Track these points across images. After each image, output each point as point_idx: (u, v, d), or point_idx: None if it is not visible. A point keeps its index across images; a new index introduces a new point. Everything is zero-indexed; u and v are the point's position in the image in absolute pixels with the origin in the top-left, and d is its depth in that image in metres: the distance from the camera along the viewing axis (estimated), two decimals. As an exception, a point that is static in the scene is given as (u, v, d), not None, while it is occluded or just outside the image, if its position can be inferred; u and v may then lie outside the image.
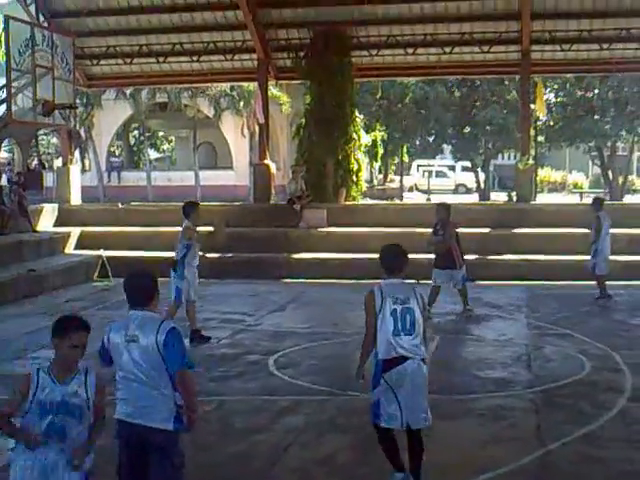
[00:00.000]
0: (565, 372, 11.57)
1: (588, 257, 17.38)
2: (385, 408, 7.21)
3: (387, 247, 7.79)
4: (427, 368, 7.39)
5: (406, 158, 56.47)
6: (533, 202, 25.18)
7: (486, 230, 22.42)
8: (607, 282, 17.30)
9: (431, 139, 51.77)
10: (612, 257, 17.60)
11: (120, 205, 26.93)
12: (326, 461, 8.30)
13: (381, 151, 40.51)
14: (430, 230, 16.38)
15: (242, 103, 44.70)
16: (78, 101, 30.93)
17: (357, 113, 27.48)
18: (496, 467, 7.92)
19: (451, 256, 15.72)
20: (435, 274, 15.95)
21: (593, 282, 17.36)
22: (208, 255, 20.05)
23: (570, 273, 19.24)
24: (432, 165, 62.69)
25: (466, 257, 16.34)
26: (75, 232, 23.74)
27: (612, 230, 17.53)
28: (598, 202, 17.84)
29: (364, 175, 29.00)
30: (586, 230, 17.85)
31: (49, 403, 5.46)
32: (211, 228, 15.09)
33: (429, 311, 15.45)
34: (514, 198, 27.96)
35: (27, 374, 5.63)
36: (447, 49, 25.25)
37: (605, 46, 24.52)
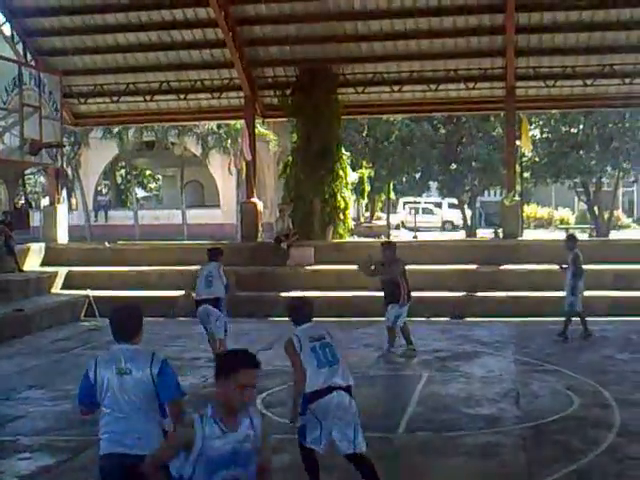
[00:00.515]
0: (554, 408, 11.54)
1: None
2: (309, 432, 7.83)
3: (292, 302, 8.55)
4: (352, 399, 7.98)
5: (393, 195, 56.55)
6: (520, 238, 25.18)
7: (473, 267, 22.45)
8: (591, 318, 17.32)
9: (417, 176, 51.85)
10: (598, 293, 17.64)
11: (107, 244, 26.88)
12: (315, 501, 8.23)
13: (368, 188, 40.71)
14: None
15: (229, 141, 44.77)
16: (65, 140, 30.95)
17: (344, 150, 27.58)
18: (486, 505, 7.88)
19: (398, 291, 15.38)
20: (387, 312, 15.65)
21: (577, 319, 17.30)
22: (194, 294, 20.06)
23: (557, 309, 19.22)
24: (419, 202, 62.77)
25: (451, 294, 16.34)
26: (62, 272, 23.67)
27: (598, 266, 17.57)
28: (574, 239, 17.76)
29: (351, 212, 29.05)
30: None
31: (220, 455, 4.95)
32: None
33: (412, 349, 15.44)
34: (501, 235, 28.01)
35: (189, 422, 5.05)
36: (433, 86, 25.45)
37: (589, 82, 24.74)
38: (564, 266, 16.91)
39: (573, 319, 17.03)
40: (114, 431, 6.00)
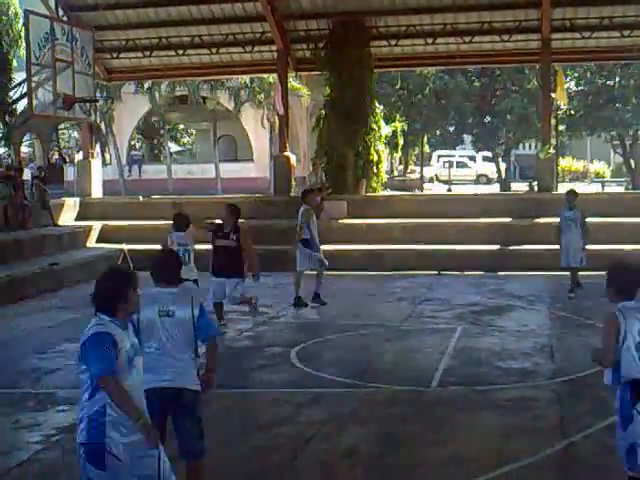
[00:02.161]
0: (588, 363, 11.42)
1: (608, 246, 17.30)
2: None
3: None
4: None
5: (426, 149, 56.28)
6: (554, 192, 24.97)
7: (507, 220, 22.35)
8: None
9: (451, 129, 51.57)
10: (637, 247, 17.57)
11: (141, 198, 26.98)
12: (348, 453, 8.27)
13: (401, 142, 40.37)
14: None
15: (262, 95, 44.60)
16: (98, 95, 30.97)
17: (377, 104, 27.39)
18: (518, 459, 7.87)
19: (240, 263, 13.85)
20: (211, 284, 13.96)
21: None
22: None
23: (593, 262, 19.11)
24: (453, 155, 62.41)
25: (485, 248, 16.18)
26: (97, 226, 23.83)
27: (636, 219, 17.45)
28: (575, 194, 17.43)
29: (384, 166, 28.94)
30: (609, 219, 17.68)
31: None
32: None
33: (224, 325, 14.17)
34: (535, 188, 27.82)
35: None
36: (467, 38, 25.14)
37: (626, 33, 24.31)
38: None
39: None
40: (156, 367, 6.38)
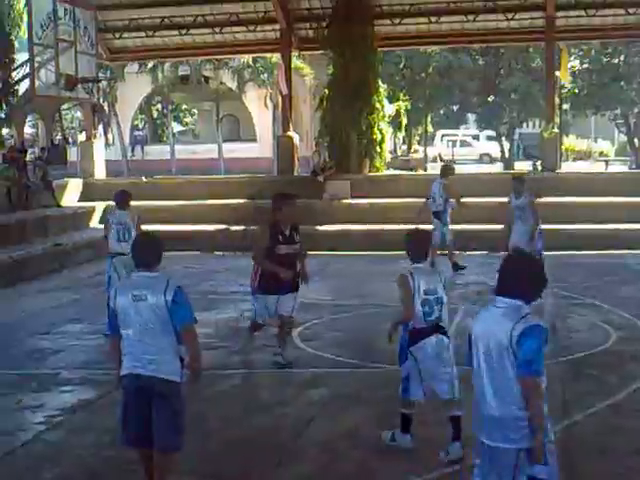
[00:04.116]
0: (591, 342, 11.51)
1: (606, 225, 17.29)
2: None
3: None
4: None
5: (430, 128, 56.09)
6: (558, 171, 24.92)
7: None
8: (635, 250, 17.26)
9: (455, 108, 51.40)
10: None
11: (144, 179, 26.96)
12: (350, 434, 8.28)
13: (405, 121, 40.24)
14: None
15: (265, 75, 44.49)
16: (101, 75, 30.90)
17: (380, 83, 27.31)
18: (521, 438, 7.87)
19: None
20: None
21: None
22: (232, 228, 20.18)
23: (596, 242, 19.12)
24: (456, 135, 62.23)
25: (489, 227, 16.04)
26: (99, 206, 23.80)
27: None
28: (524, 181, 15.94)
29: (388, 145, 28.87)
30: (615, 198, 17.59)
31: None
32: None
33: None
34: (539, 167, 27.77)
35: None
36: (471, 17, 25.04)
37: (632, 11, 24.21)
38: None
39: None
40: (132, 352, 6.33)
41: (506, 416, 5.25)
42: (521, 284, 5.40)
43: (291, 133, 26.23)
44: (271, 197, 11.09)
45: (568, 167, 44.71)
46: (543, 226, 20.41)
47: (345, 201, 23.23)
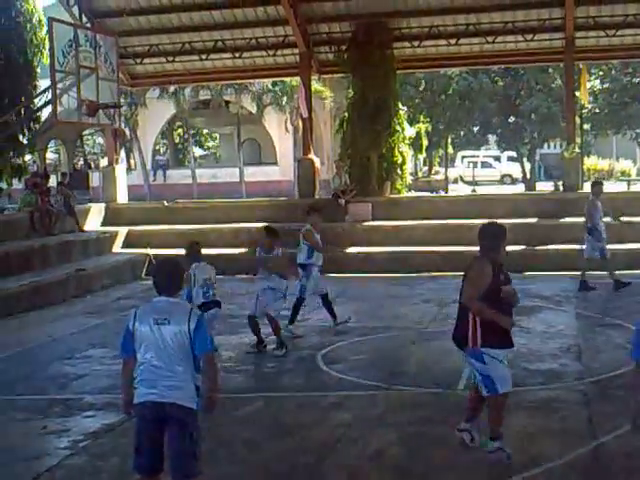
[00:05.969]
0: (616, 363, 11.40)
1: (631, 245, 17.24)
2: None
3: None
4: None
5: (451, 149, 56.09)
6: (580, 191, 24.82)
7: (533, 220, 22.26)
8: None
9: (475, 129, 51.39)
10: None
11: (166, 203, 27.05)
12: (376, 457, 8.25)
13: (425, 143, 40.35)
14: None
15: (285, 98, 44.68)
16: (122, 100, 31.06)
17: (400, 105, 27.35)
18: (547, 460, 7.82)
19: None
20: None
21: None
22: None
23: (619, 262, 18.98)
24: (477, 156, 62.19)
25: (510, 248, 15.92)
26: (122, 231, 23.92)
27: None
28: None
29: (408, 167, 28.86)
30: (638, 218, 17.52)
31: None
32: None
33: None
34: (561, 187, 27.68)
35: None
36: (490, 38, 25.06)
37: (651, 31, 24.18)
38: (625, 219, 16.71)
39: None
40: (147, 379, 6.33)
41: None
42: None
43: (312, 156, 26.26)
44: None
45: (589, 187, 44.64)
46: (563, 246, 20.48)
47: (367, 223, 23.23)
